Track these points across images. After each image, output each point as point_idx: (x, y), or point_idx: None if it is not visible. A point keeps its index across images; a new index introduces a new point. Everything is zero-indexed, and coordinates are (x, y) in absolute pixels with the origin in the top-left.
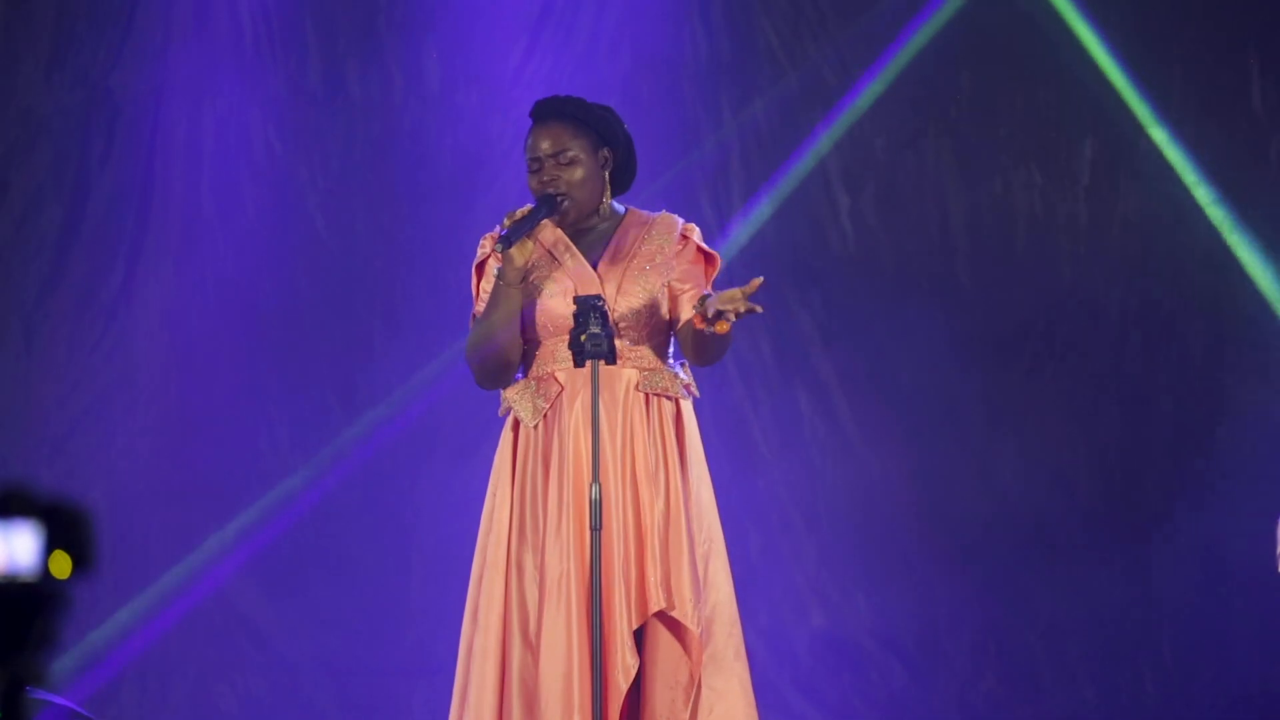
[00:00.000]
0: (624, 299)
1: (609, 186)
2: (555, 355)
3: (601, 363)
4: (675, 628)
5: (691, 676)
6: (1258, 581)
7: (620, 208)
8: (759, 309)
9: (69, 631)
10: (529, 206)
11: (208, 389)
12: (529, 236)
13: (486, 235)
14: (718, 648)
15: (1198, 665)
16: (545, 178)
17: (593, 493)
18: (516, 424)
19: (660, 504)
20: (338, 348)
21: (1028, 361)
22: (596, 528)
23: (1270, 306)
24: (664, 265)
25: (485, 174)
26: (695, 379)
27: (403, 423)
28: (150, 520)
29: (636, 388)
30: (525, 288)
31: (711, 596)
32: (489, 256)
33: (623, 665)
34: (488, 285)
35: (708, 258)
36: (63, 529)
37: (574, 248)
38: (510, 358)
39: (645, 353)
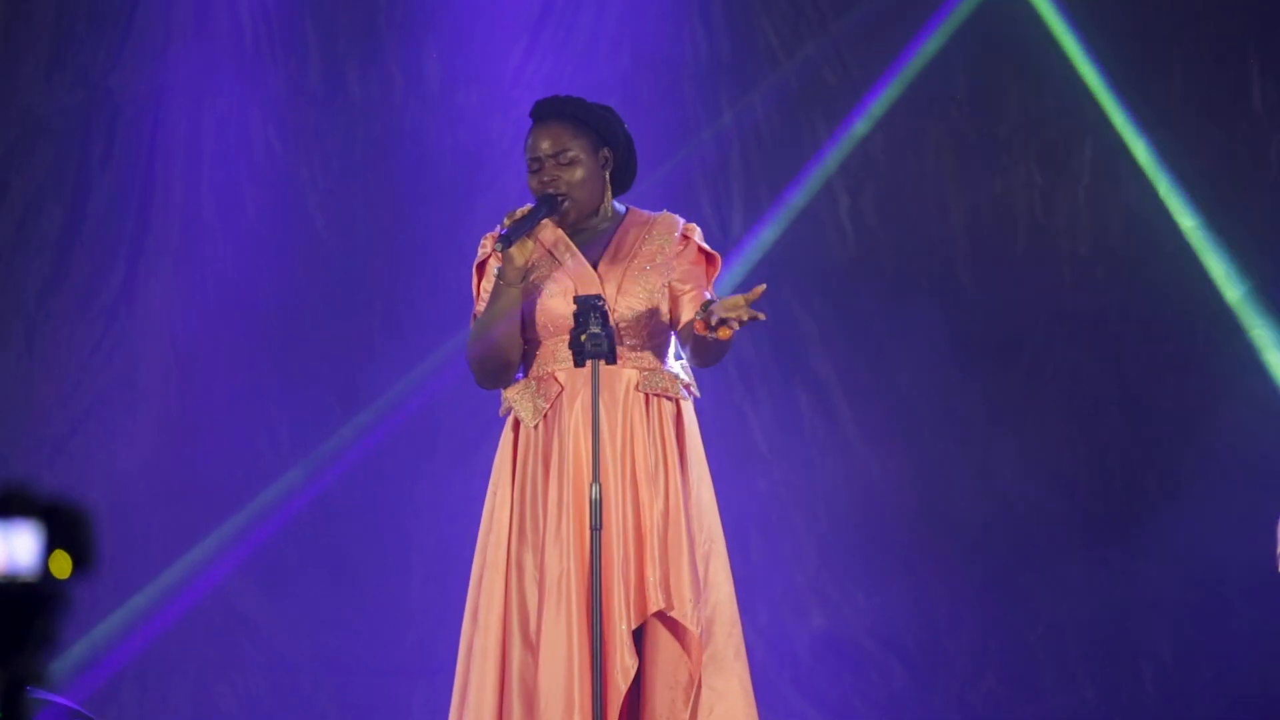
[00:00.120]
0: (624, 299)
1: (609, 186)
2: (555, 355)
3: (602, 363)
4: (675, 628)
5: (691, 676)
6: (1258, 581)
7: (621, 207)
8: (762, 316)
9: (69, 631)
10: (529, 206)
11: (208, 389)
12: (529, 236)
13: (487, 235)
14: (718, 648)
15: (1198, 665)
16: (545, 178)
17: (593, 493)
18: (517, 424)
19: (660, 504)
20: (338, 348)
21: (1028, 361)
22: (596, 528)
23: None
24: (665, 265)
25: (485, 174)
26: (695, 379)
27: (403, 422)
28: (150, 520)
29: (637, 388)
30: (525, 287)
31: (712, 596)
32: (489, 256)
33: (621, 666)
34: (488, 285)
35: (709, 258)
36: (63, 529)
37: (574, 247)
38: (510, 357)
39: (645, 353)
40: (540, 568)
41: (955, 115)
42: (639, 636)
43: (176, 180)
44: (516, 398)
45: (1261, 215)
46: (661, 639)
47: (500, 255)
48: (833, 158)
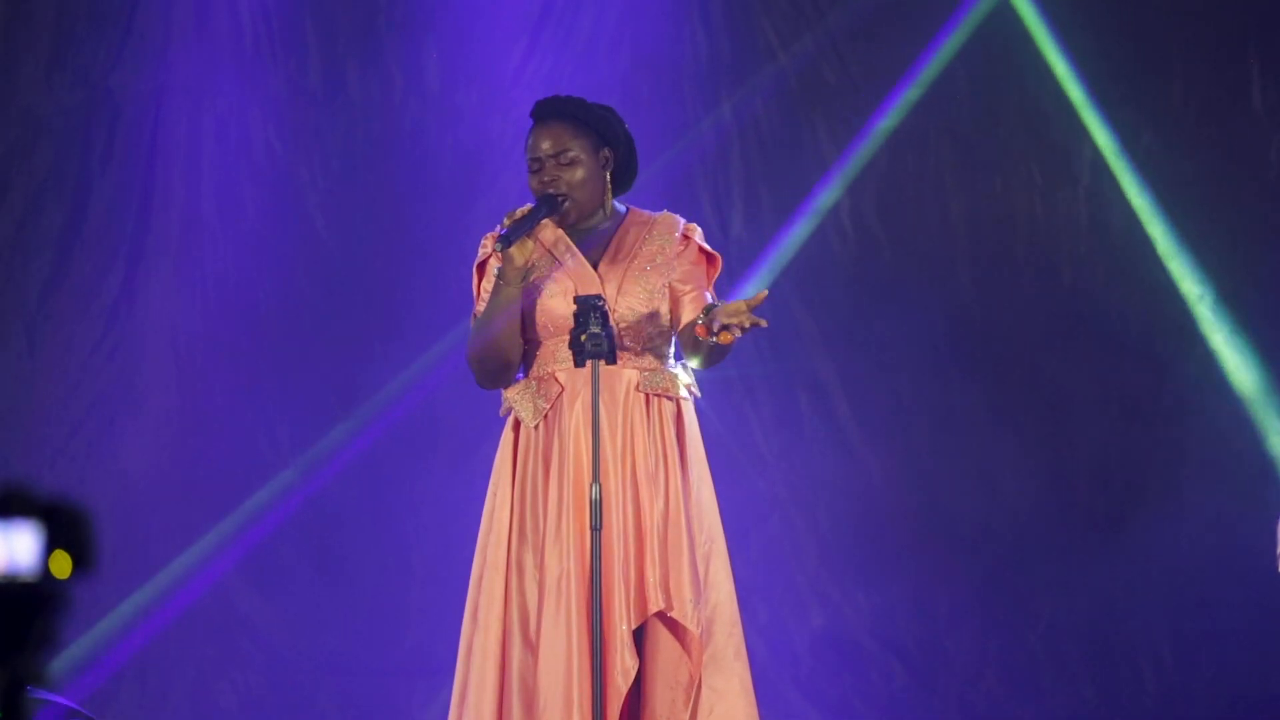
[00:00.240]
0: (624, 299)
1: (610, 186)
2: (556, 355)
3: (602, 363)
4: (675, 628)
5: (691, 676)
6: (1258, 581)
7: (621, 207)
8: (763, 323)
9: (69, 631)
10: (529, 206)
11: (208, 389)
12: (529, 236)
13: (487, 235)
14: (718, 648)
15: (1198, 665)
16: (546, 178)
17: (593, 493)
18: (517, 424)
19: (660, 504)
20: (337, 348)
21: (1027, 361)
22: (597, 528)
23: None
24: (665, 265)
25: (485, 174)
26: (696, 379)
27: (403, 423)
28: (150, 520)
29: (637, 388)
30: (525, 287)
31: (712, 596)
32: (490, 256)
33: (621, 666)
34: (488, 285)
35: (709, 258)
36: (63, 529)
37: (574, 247)
38: (510, 357)
39: (645, 353)
40: (540, 568)
41: (955, 115)
42: (639, 636)
43: (177, 180)
44: (517, 398)
45: (1262, 215)
46: (662, 639)
47: (500, 255)
48: (833, 158)
